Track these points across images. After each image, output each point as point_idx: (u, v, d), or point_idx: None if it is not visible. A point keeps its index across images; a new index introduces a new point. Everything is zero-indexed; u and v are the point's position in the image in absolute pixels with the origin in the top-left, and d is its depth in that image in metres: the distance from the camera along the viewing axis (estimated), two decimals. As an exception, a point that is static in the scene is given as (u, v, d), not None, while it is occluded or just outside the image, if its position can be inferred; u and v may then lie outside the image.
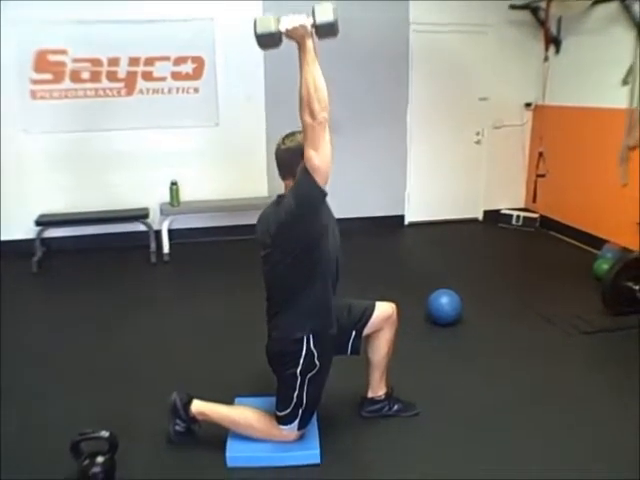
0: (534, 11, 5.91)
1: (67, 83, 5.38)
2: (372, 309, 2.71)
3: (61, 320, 4.14)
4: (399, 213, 6.50)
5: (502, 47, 6.14)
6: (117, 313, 4.23)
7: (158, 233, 5.58)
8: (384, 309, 2.74)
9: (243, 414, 2.60)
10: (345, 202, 6.19)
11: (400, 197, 6.46)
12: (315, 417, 2.71)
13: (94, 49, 5.36)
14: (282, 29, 2.15)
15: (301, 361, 2.42)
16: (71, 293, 4.68)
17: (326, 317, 2.47)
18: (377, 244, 5.95)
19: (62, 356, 3.59)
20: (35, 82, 5.32)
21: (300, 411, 2.50)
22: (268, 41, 2.20)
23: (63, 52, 5.30)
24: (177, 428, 2.61)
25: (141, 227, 5.54)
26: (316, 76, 2.15)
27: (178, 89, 5.63)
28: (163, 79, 5.57)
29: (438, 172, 6.49)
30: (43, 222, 5.30)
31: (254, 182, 5.89)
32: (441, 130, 6.35)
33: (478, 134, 6.44)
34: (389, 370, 2.88)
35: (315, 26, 2.15)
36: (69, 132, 5.47)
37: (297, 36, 2.15)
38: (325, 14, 2.14)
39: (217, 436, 2.61)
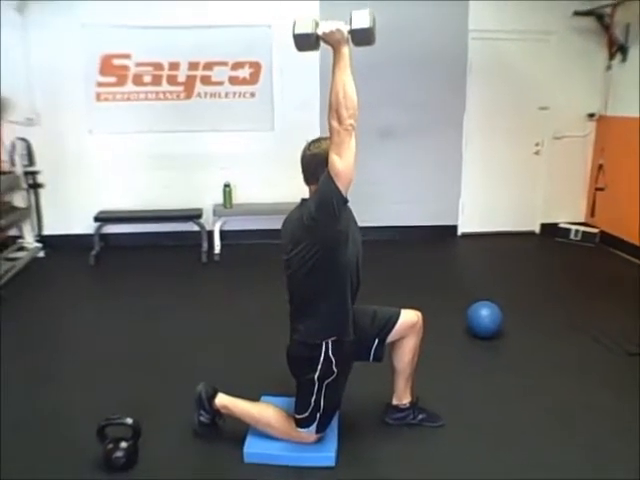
0: (599, 18, 5.70)
1: (130, 86, 5.64)
2: (397, 317, 2.68)
3: (109, 311, 4.35)
4: (452, 223, 6.39)
5: (565, 55, 5.94)
6: (163, 307, 4.37)
7: (210, 233, 5.74)
8: (409, 317, 2.71)
9: (264, 412, 2.64)
10: (398, 209, 6.21)
11: (454, 206, 6.36)
12: (336, 420, 2.73)
13: (156, 54, 5.59)
14: (319, 32, 2.20)
15: (319, 367, 2.44)
16: (122, 286, 4.90)
17: (345, 324, 2.47)
18: (428, 253, 5.88)
19: (105, 344, 3.77)
20: (100, 85, 5.60)
21: (318, 415, 2.51)
22: (305, 42, 2.26)
23: (127, 56, 5.56)
24: (202, 419, 2.67)
25: (195, 227, 5.72)
26: (347, 83, 2.18)
27: (235, 93, 5.78)
28: (221, 83, 5.74)
29: (494, 182, 6.34)
30: (101, 218, 5.56)
31: (302, 186, 5.92)
32: (498, 139, 6.21)
33: (537, 144, 6.25)
34: (415, 379, 2.85)
35: (351, 31, 2.18)
36: (129, 133, 5.73)
37: (333, 40, 2.19)
38: (362, 20, 2.18)
39: (240, 431, 2.66)
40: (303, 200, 2.46)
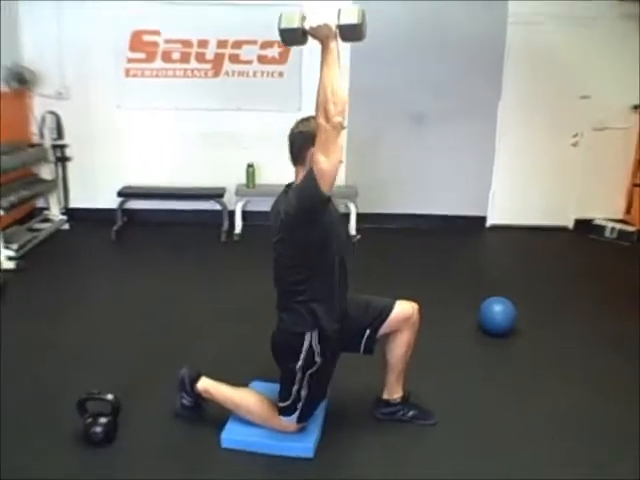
0: (649, 3, 5.36)
1: (158, 62, 5.63)
2: (390, 308, 2.58)
3: (121, 286, 4.37)
4: (481, 214, 6.18)
5: (609, 42, 5.62)
6: (176, 286, 4.37)
7: (232, 213, 5.72)
8: (404, 309, 2.60)
9: (245, 398, 2.59)
10: (426, 197, 6.08)
11: (484, 197, 6.14)
12: (322, 411, 2.67)
13: (185, 31, 5.56)
14: (306, 26, 2.14)
15: (302, 356, 2.38)
16: (138, 263, 4.94)
17: (329, 316, 2.39)
18: (453, 244, 5.70)
19: (112, 318, 3.80)
20: (130, 60, 5.62)
21: (299, 405, 2.45)
22: (291, 37, 2.21)
23: (156, 33, 5.55)
24: (184, 402, 2.65)
25: (217, 206, 5.70)
26: (334, 78, 2.11)
27: (263, 73, 5.71)
28: (249, 62, 5.67)
29: (527, 174, 6.08)
30: (124, 193, 5.61)
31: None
32: (534, 129, 5.94)
33: (576, 136, 5.95)
34: (408, 373, 2.74)
35: (339, 27, 2.11)
36: (156, 110, 5.73)
37: (321, 35, 2.12)
38: (350, 16, 2.11)
39: (223, 415, 2.62)
40: (288, 185, 2.40)
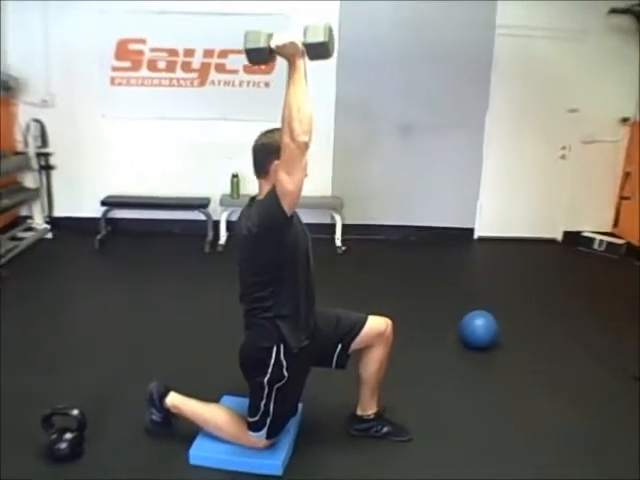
0: (637, 16, 5.34)
1: (144, 71, 5.59)
2: (362, 324, 2.54)
3: (100, 297, 4.32)
4: (468, 226, 6.15)
5: (598, 55, 5.61)
6: (154, 297, 4.32)
7: (217, 223, 5.67)
8: (377, 324, 2.56)
9: (214, 414, 2.54)
10: (412, 208, 6.04)
11: (471, 209, 6.11)
12: (294, 427, 2.62)
13: (171, 40, 5.53)
14: (272, 45, 2.10)
15: (269, 370, 2.33)
16: (119, 273, 4.89)
17: (294, 333, 2.34)
18: (440, 256, 5.67)
19: (89, 329, 3.74)
20: (115, 69, 5.58)
21: (268, 420, 2.40)
22: (257, 56, 2.17)
23: (142, 41, 5.51)
24: (153, 417, 2.59)
25: (202, 216, 5.65)
26: (301, 96, 2.07)
27: (249, 82, 5.68)
28: (235, 72, 5.63)
29: (516, 186, 6.07)
30: (108, 203, 5.55)
31: (317, 181, 5.76)
32: (522, 141, 5.92)
33: (564, 148, 5.94)
34: (386, 388, 2.69)
35: (305, 45, 2.08)
36: (141, 119, 5.69)
37: (287, 54, 2.09)
38: (316, 34, 2.07)
39: (194, 431, 2.56)
40: (251, 200, 2.39)
